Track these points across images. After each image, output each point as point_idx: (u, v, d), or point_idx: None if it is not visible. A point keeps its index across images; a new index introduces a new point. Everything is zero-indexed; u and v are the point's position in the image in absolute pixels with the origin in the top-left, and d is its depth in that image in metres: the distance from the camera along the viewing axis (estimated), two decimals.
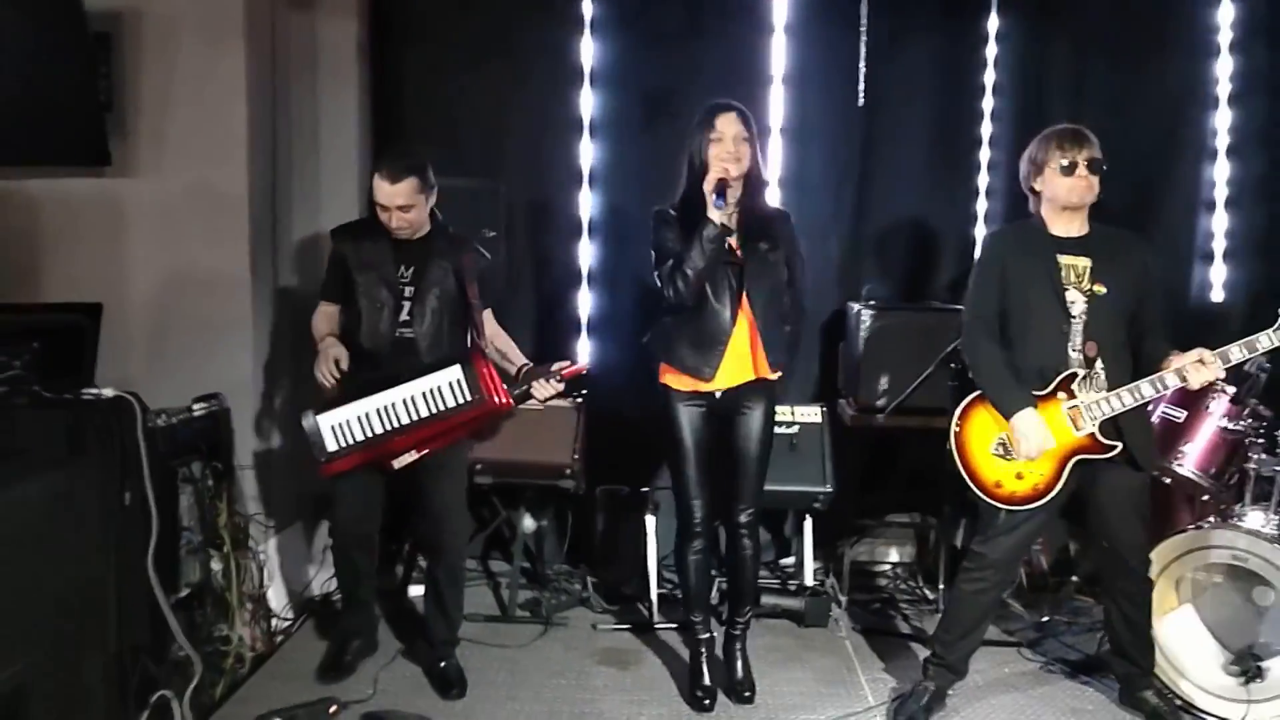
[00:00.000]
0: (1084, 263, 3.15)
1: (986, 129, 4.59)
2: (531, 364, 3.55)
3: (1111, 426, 3.10)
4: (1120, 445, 3.09)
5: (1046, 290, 3.15)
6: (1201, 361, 3.00)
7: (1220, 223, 4.54)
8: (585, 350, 4.64)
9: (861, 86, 4.41)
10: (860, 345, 4.22)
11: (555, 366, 3.43)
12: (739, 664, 3.48)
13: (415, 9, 4.54)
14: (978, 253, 3.59)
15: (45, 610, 2.34)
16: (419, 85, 4.56)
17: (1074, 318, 3.14)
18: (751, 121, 3.17)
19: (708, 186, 3.10)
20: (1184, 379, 3.03)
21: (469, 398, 3.31)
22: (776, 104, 4.53)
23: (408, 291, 3.44)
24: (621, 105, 4.55)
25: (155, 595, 3.06)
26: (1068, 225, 3.19)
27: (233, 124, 3.85)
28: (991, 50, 4.56)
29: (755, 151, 3.20)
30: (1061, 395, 3.12)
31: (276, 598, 3.96)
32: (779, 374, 3.32)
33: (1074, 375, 3.11)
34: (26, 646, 2.27)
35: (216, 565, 3.50)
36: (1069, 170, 3.12)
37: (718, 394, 3.27)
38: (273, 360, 4.09)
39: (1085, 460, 3.12)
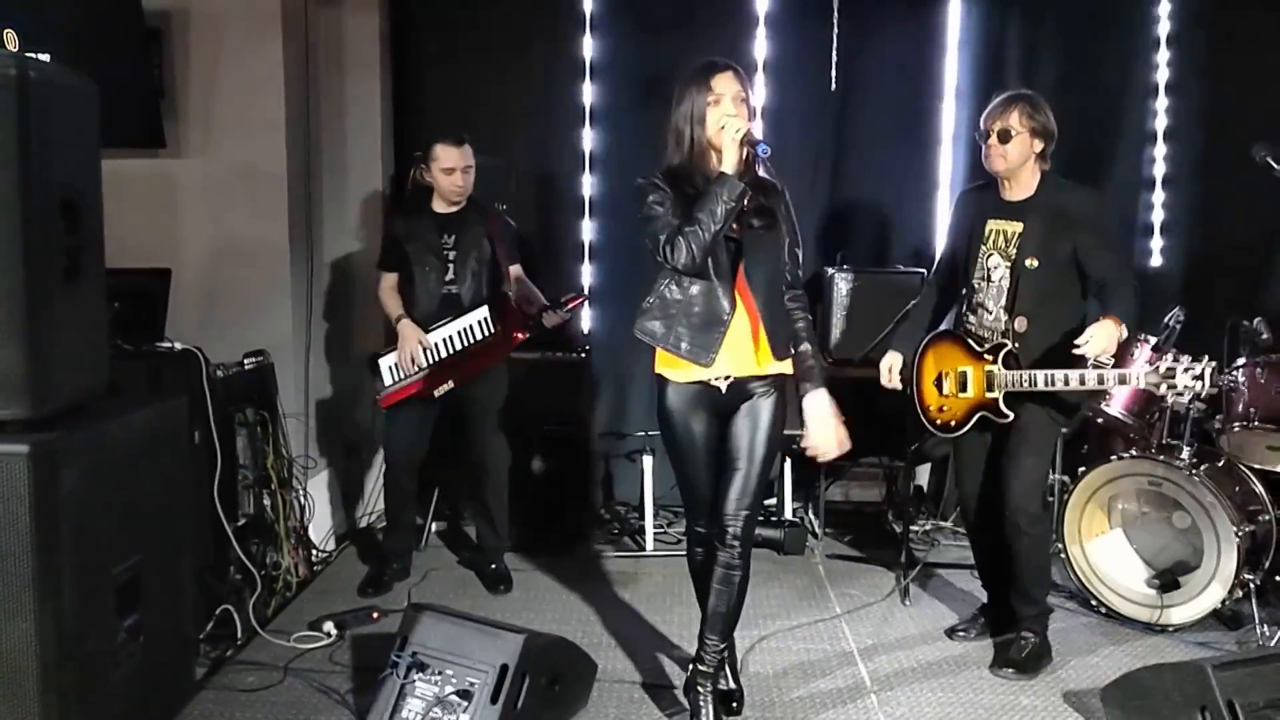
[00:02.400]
0: (1014, 228, 3.22)
1: (949, 109, 4.91)
2: (549, 304, 4.00)
3: (1021, 397, 3.21)
4: (1009, 418, 3.21)
5: (966, 252, 3.34)
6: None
7: (1159, 198, 4.92)
8: (588, 318, 5.01)
9: (834, 73, 4.69)
10: (834, 305, 4.61)
11: (562, 300, 3.96)
12: (728, 677, 3.09)
13: (433, 4, 4.82)
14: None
15: (151, 518, 2.78)
16: (436, 73, 4.85)
17: (991, 282, 3.27)
18: (747, 81, 2.85)
19: (732, 138, 2.70)
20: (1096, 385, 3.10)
21: (492, 330, 3.86)
22: (758, 90, 4.79)
23: (450, 256, 3.95)
24: (618, 94, 4.84)
25: (220, 522, 3.54)
26: (1009, 189, 3.25)
27: (272, 109, 4.18)
28: (953, 36, 4.86)
29: (752, 116, 2.87)
30: (989, 358, 3.29)
31: (316, 530, 4.30)
32: (791, 359, 2.89)
33: (1002, 346, 3.25)
34: (140, 544, 2.71)
35: (266, 501, 3.91)
36: (983, 139, 3.23)
37: (722, 386, 2.84)
38: (310, 320, 4.42)
39: (988, 418, 3.28)
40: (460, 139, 3.87)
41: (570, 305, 3.98)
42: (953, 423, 3.42)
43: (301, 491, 4.08)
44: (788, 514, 4.64)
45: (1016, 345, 3.25)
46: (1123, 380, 3.18)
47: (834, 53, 4.65)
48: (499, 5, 4.83)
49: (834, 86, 4.73)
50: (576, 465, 4.68)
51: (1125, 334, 3.03)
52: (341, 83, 4.67)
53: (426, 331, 3.92)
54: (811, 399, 2.88)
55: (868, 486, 5.09)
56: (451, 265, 3.94)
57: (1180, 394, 3.01)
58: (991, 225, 3.29)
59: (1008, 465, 3.30)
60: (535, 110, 4.89)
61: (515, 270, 4.05)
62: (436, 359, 3.90)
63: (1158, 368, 3.06)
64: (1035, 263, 3.16)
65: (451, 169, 3.87)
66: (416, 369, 3.89)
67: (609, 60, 4.88)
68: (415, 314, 3.94)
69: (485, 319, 3.89)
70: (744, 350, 2.84)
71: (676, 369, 2.86)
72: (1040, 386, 3.16)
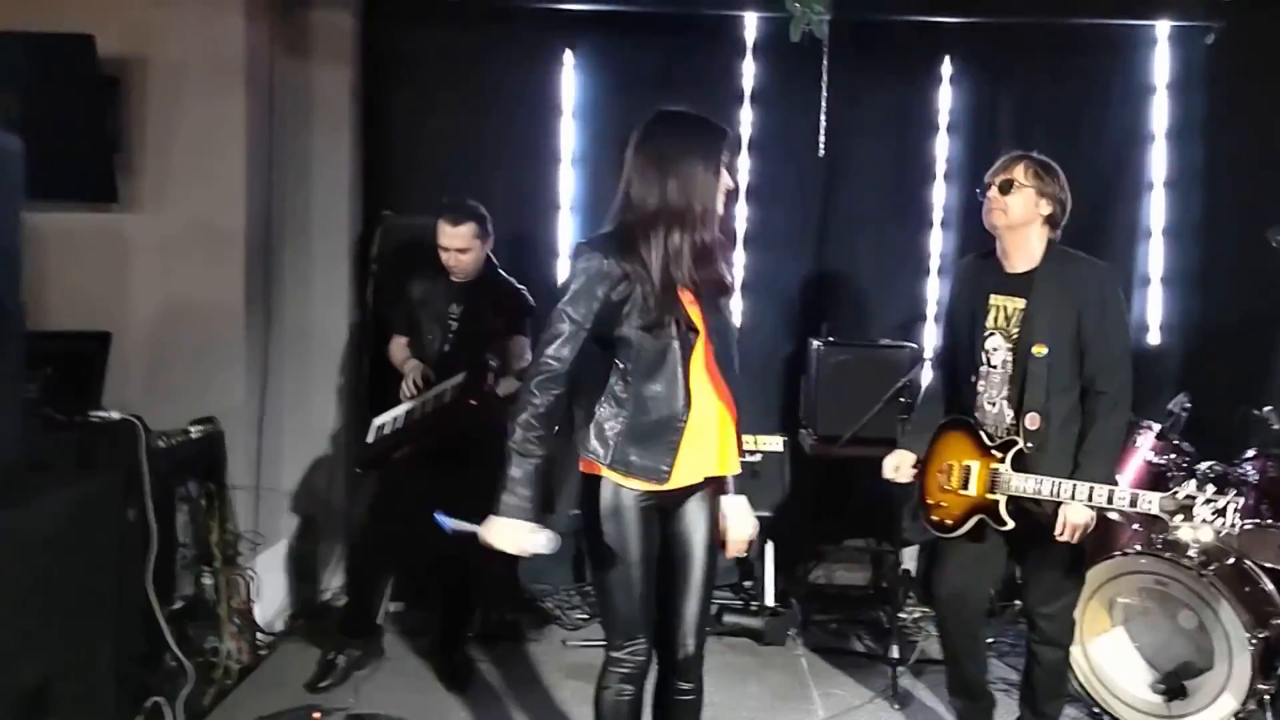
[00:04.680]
0: (1015, 304, 2.97)
1: (939, 191, 4.81)
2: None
3: (1023, 505, 2.97)
4: (1011, 526, 2.95)
5: (968, 332, 3.07)
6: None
7: (1157, 256, 4.80)
8: None
9: (822, 139, 4.60)
10: (818, 379, 4.43)
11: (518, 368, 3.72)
12: None
13: (404, 54, 4.72)
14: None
15: (62, 614, 2.54)
16: (407, 124, 4.73)
17: (993, 367, 3.02)
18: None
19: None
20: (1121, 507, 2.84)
21: (454, 400, 3.67)
22: (743, 167, 4.75)
23: (454, 327, 3.85)
24: (599, 140, 4.76)
25: (152, 607, 3.29)
26: (1019, 257, 2.98)
27: (231, 163, 4.04)
28: (945, 94, 4.78)
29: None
30: (998, 454, 3.00)
31: (264, 612, 4.11)
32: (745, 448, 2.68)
33: (1013, 444, 2.98)
34: (46, 646, 2.47)
35: (208, 580, 3.72)
36: (982, 193, 3.01)
37: (675, 489, 2.52)
38: (265, 386, 4.27)
39: (985, 521, 3.03)
40: (457, 218, 3.74)
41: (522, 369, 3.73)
42: (947, 521, 3.13)
43: (248, 570, 3.89)
44: (768, 598, 4.44)
45: (1029, 445, 2.96)
46: (1134, 503, 2.83)
47: (822, 116, 4.54)
48: (472, 54, 4.73)
49: (822, 153, 4.62)
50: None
51: (1102, 502, 2.80)
52: (308, 136, 4.53)
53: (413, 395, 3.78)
54: (735, 498, 2.66)
55: (853, 569, 4.91)
56: (453, 336, 3.86)
57: (1195, 528, 2.71)
58: (992, 301, 3.03)
59: (1031, 558, 3.12)
60: (510, 156, 4.80)
61: (515, 341, 3.86)
62: (409, 421, 3.73)
63: (1175, 494, 2.77)
64: (1044, 350, 2.91)
65: (445, 248, 3.78)
66: (393, 424, 3.73)
67: (589, 108, 4.81)
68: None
69: (456, 385, 3.72)
70: (702, 455, 2.50)
71: (625, 480, 2.47)
72: (1045, 496, 2.90)
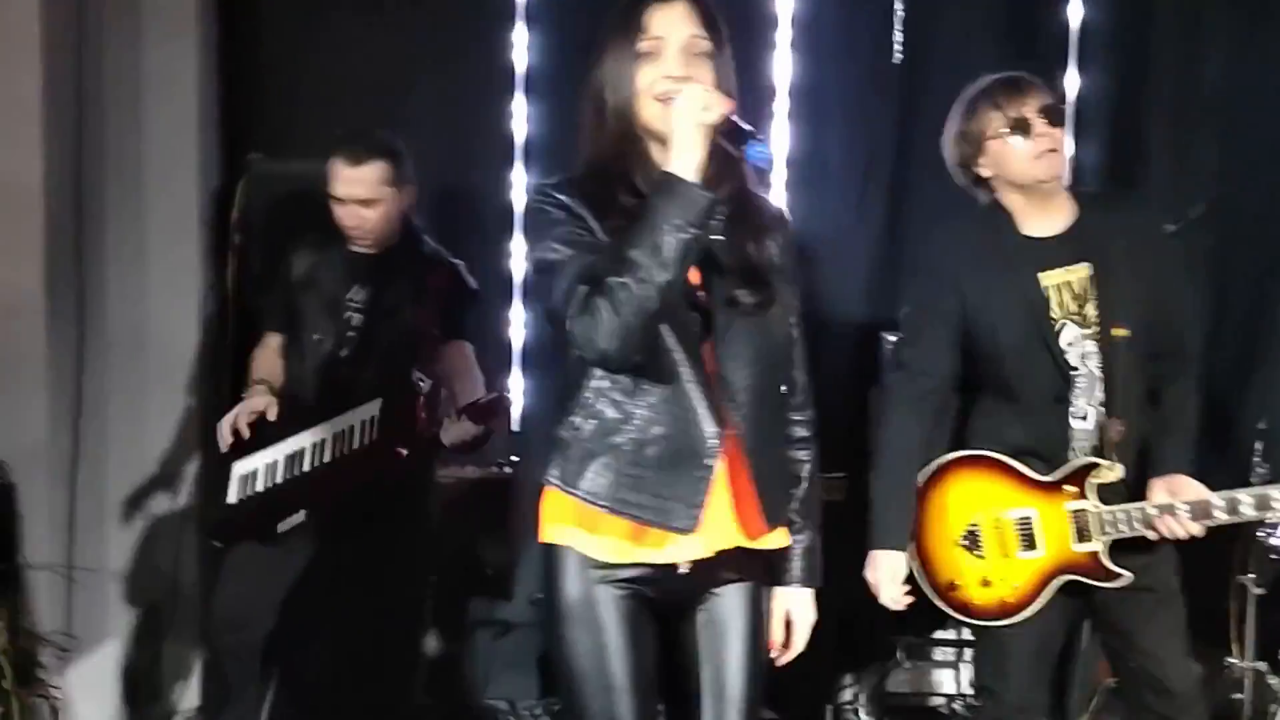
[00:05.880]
0: (1079, 274, 3.06)
1: (1071, 84, 4.73)
2: (464, 408, 3.74)
3: (1129, 545, 3.03)
4: (1130, 575, 3.00)
5: (1027, 335, 3.09)
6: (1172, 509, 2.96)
7: None
8: (517, 387, 4.79)
9: (898, 36, 4.58)
10: None
11: (465, 402, 3.69)
12: None
13: None
14: (916, 268, 3.50)
15: None
16: (284, 28, 4.69)
17: (1073, 369, 3.09)
18: (720, 22, 2.41)
19: (696, 121, 2.21)
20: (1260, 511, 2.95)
21: (371, 440, 3.63)
22: (782, 60, 4.68)
23: (354, 320, 3.78)
24: (565, 49, 4.68)
25: None
26: (1044, 216, 3.10)
27: (20, 88, 3.96)
28: None
29: (730, 82, 2.41)
30: (1070, 489, 3.05)
31: None
32: (785, 534, 2.54)
33: (1092, 467, 3.03)
34: None
35: None
36: (1021, 128, 3.03)
37: (682, 567, 2.42)
38: (78, 416, 4.19)
39: (1079, 583, 3.08)
40: (358, 154, 3.69)
41: (483, 409, 3.65)
42: (1009, 601, 3.08)
43: (54, 690, 3.95)
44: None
45: (1116, 460, 3.03)
46: None
47: (898, 4, 4.53)
48: None
49: (898, 56, 4.61)
50: (494, 644, 4.57)
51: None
52: (137, 47, 4.47)
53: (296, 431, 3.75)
54: (793, 597, 2.56)
55: (944, 669, 4.81)
56: (352, 334, 3.79)
57: None
58: (1047, 280, 3.07)
59: (1146, 640, 3.10)
60: (440, 76, 4.75)
61: (457, 349, 3.90)
62: (298, 471, 3.70)
63: None
64: (1125, 331, 2.99)
65: (342, 198, 3.71)
66: (269, 474, 3.73)
67: (547, 8, 4.79)
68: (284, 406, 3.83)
69: (372, 419, 3.66)
70: (719, 510, 2.40)
71: (602, 539, 2.38)
72: (1171, 526, 2.98)
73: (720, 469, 2.36)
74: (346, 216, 3.71)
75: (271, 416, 3.72)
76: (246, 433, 3.68)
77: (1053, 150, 3.02)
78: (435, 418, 3.67)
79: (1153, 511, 2.95)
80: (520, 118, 4.75)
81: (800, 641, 2.56)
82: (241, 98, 4.70)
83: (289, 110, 4.66)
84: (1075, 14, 4.72)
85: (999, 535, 3.10)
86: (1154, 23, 4.69)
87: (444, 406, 3.75)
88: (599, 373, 2.36)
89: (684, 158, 2.19)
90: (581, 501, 2.35)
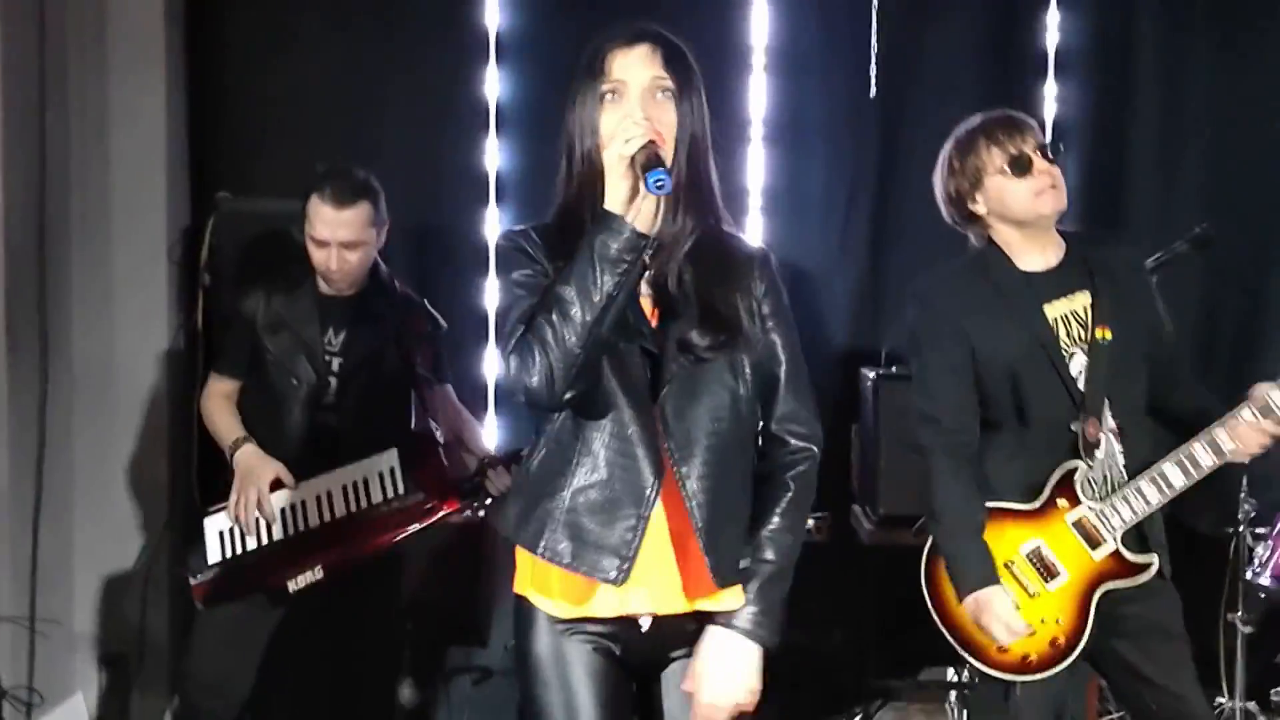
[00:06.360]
0: (1081, 301, 3.10)
1: (1050, 114, 4.75)
2: (496, 454, 3.76)
3: (1136, 533, 3.06)
4: (1155, 560, 3.03)
5: (1039, 368, 3.08)
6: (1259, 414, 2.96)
7: None
8: (492, 430, 4.78)
9: (874, 70, 4.59)
10: (879, 431, 4.28)
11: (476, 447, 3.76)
12: None
13: None
14: (911, 319, 3.38)
15: None
16: (253, 64, 4.69)
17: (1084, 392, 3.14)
18: (688, 62, 2.40)
19: (618, 154, 2.22)
20: (1220, 450, 2.98)
21: (401, 493, 3.57)
22: (758, 92, 4.70)
23: (335, 365, 3.71)
24: (541, 86, 4.65)
25: None
26: (1039, 251, 3.12)
27: None
28: (1053, 12, 4.74)
29: (699, 122, 2.40)
30: (1062, 503, 3.05)
31: None
32: (746, 581, 2.38)
33: (1072, 471, 3.05)
34: None
35: None
36: (1019, 166, 3.04)
37: (644, 623, 2.38)
38: (40, 461, 4.18)
39: (1113, 590, 3.06)
40: (343, 196, 3.60)
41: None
42: (1061, 639, 3.03)
43: None
44: None
45: (1089, 461, 3.05)
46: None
47: (873, 39, 4.55)
48: None
49: (874, 90, 4.62)
50: (472, 692, 4.51)
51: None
52: (103, 82, 4.48)
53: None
54: (728, 646, 2.34)
55: (934, 714, 4.71)
56: (334, 379, 3.70)
57: None
58: (1052, 311, 3.09)
59: (1166, 679, 3.04)
60: (411, 112, 4.76)
61: (446, 394, 3.88)
62: (302, 528, 3.63)
63: None
64: (1108, 334, 3.05)
65: (324, 241, 3.62)
66: (266, 533, 3.65)
67: (524, 36, 4.77)
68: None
69: (391, 470, 3.61)
70: (662, 564, 2.35)
71: (553, 591, 2.36)
72: (1155, 500, 3.02)
73: (659, 519, 2.32)
74: (328, 259, 3.63)
75: (290, 483, 3.63)
76: (275, 515, 3.61)
77: (1053, 186, 3.03)
78: (457, 467, 3.67)
79: (1143, 485, 3.00)
80: (493, 156, 4.75)
81: (723, 703, 2.34)
82: (209, 134, 4.70)
83: (258, 147, 4.64)
84: (1052, 40, 4.73)
85: (1019, 577, 3.07)
86: (1132, 48, 4.70)
87: (474, 454, 3.79)
88: (555, 416, 2.35)
89: (610, 191, 2.20)
90: (522, 549, 2.36)
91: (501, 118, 4.74)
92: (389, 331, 3.77)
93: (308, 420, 3.72)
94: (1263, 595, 3.99)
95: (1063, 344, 3.08)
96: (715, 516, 2.31)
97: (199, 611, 3.68)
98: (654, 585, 2.32)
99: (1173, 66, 4.66)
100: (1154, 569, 3.01)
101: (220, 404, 3.81)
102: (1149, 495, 3.01)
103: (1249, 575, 3.90)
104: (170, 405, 4.53)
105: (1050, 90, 4.75)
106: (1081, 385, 3.07)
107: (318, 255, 3.64)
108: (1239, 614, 3.92)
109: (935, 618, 3.16)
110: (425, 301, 3.94)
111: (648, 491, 2.28)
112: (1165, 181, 4.63)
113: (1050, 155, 3.05)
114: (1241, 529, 3.97)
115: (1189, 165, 4.60)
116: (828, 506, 4.36)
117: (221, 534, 3.67)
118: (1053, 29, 4.73)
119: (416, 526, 3.62)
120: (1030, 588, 3.05)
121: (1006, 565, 3.08)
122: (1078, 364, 3.08)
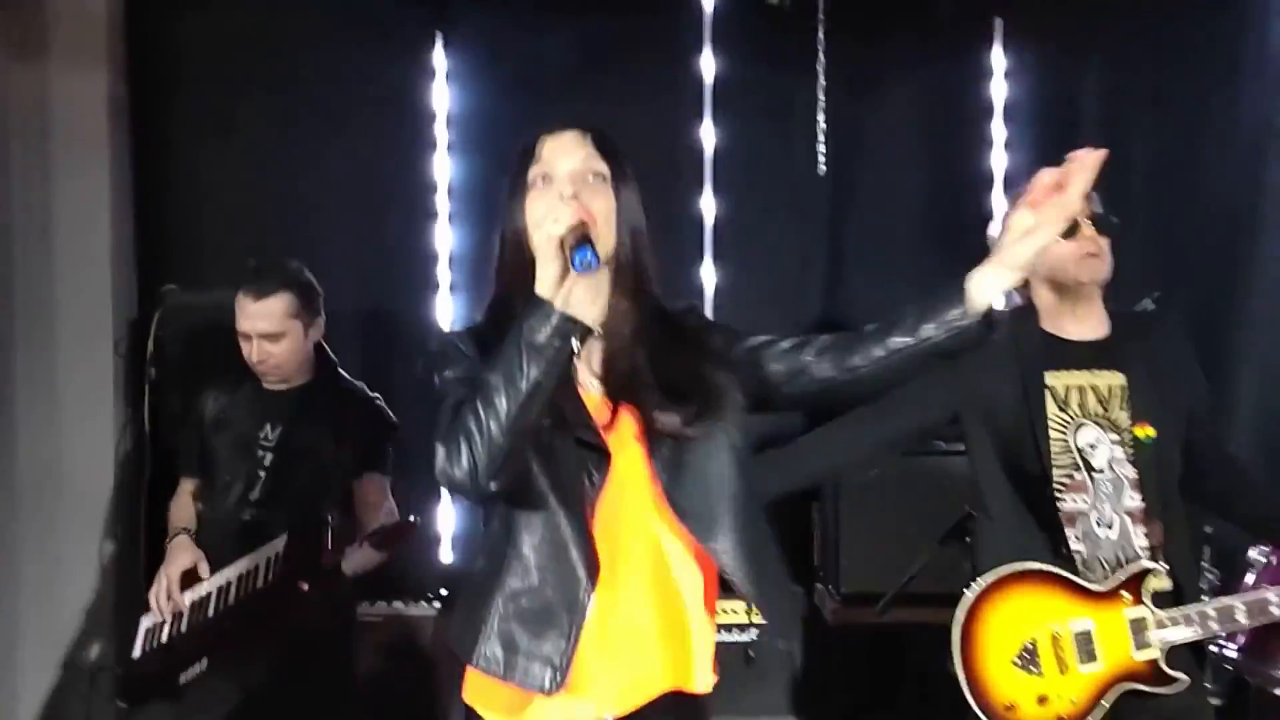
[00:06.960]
0: (1109, 380, 3.10)
1: (996, 192, 4.81)
2: (376, 530, 3.69)
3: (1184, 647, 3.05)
4: (1187, 679, 3.01)
5: (1018, 436, 3.10)
6: None
7: None
8: (448, 513, 4.79)
9: (822, 149, 4.64)
10: (838, 506, 4.29)
11: (379, 528, 3.61)
12: None
13: (192, 48, 4.71)
14: None
15: None
16: (198, 154, 4.71)
17: (1096, 472, 3.10)
18: (619, 150, 2.38)
19: (547, 235, 2.16)
20: None
21: (274, 577, 3.53)
22: (706, 203, 4.80)
23: (266, 460, 3.70)
24: (491, 168, 4.62)
25: None
26: (1073, 320, 3.14)
27: None
28: (998, 89, 4.83)
29: (636, 211, 2.36)
30: (1126, 596, 3.04)
31: None
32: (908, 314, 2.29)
33: (1146, 574, 3.03)
34: None
35: None
36: (1069, 228, 3.03)
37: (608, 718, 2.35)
38: None
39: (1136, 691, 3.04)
40: (262, 288, 3.62)
41: (387, 535, 3.59)
42: (1065, 716, 3.02)
43: None
44: None
45: (1113, 537, 3.07)
46: None
47: (820, 118, 4.62)
48: (303, 52, 4.72)
49: (823, 169, 4.69)
50: None
51: None
52: (46, 177, 4.51)
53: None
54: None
55: None
56: (264, 475, 3.71)
57: None
58: (1058, 381, 3.10)
59: None
60: (358, 199, 4.78)
61: (371, 482, 3.80)
62: (202, 619, 3.59)
63: None
64: (1152, 433, 3.03)
65: (248, 334, 3.65)
66: (174, 624, 3.61)
67: (471, 122, 4.84)
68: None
69: (276, 556, 3.57)
70: (612, 668, 2.28)
71: (492, 702, 2.30)
72: (1214, 631, 3.02)
73: (600, 620, 2.25)
74: (253, 352, 3.66)
75: (204, 574, 3.63)
76: (184, 603, 3.58)
77: (1094, 255, 3.05)
78: (340, 549, 3.60)
79: (1210, 613, 2.99)
80: (444, 241, 4.79)
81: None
82: (156, 226, 4.69)
83: (205, 239, 4.66)
84: (999, 97, 4.81)
85: (1057, 650, 3.07)
86: (1080, 113, 4.79)
87: (350, 538, 3.71)
88: (493, 516, 2.33)
89: (541, 275, 2.14)
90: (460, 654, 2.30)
91: (453, 200, 4.80)
92: (324, 426, 3.76)
93: (236, 514, 3.72)
94: (1229, 668, 3.98)
95: (1072, 412, 3.10)
96: (760, 577, 2.27)
97: (129, 712, 3.70)
98: (602, 690, 2.25)
99: (1118, 138, 4.67)
100: (1180, 685, 2.99)
101: (181, 500, 3.84)
102: (1211, 625, 3.00)
103: (1214, 649, 3.88)
104: (117, 501, 4.51)
105: (996, 162, 4.81)
106: (1098, 464, 3.08)
107: (245, 348, 3.67)
108: (1207, 686, 3.90)
109: (962, 674, 3.10)
110: (375, 395, 3.92)
111: (580, 594, 2.22)
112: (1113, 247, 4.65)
113: (1101, 227, 3.06)
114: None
115: (1135, 233, 4.58)
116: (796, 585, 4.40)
117: (148, 630, 3.67)
118: (996, 107, 4.82)
119: (277, 611, 3.56)
120: (1065, 663, 3.06)
121: (1053, 635, 3.07)
122: (1086, 436, 3.09)
